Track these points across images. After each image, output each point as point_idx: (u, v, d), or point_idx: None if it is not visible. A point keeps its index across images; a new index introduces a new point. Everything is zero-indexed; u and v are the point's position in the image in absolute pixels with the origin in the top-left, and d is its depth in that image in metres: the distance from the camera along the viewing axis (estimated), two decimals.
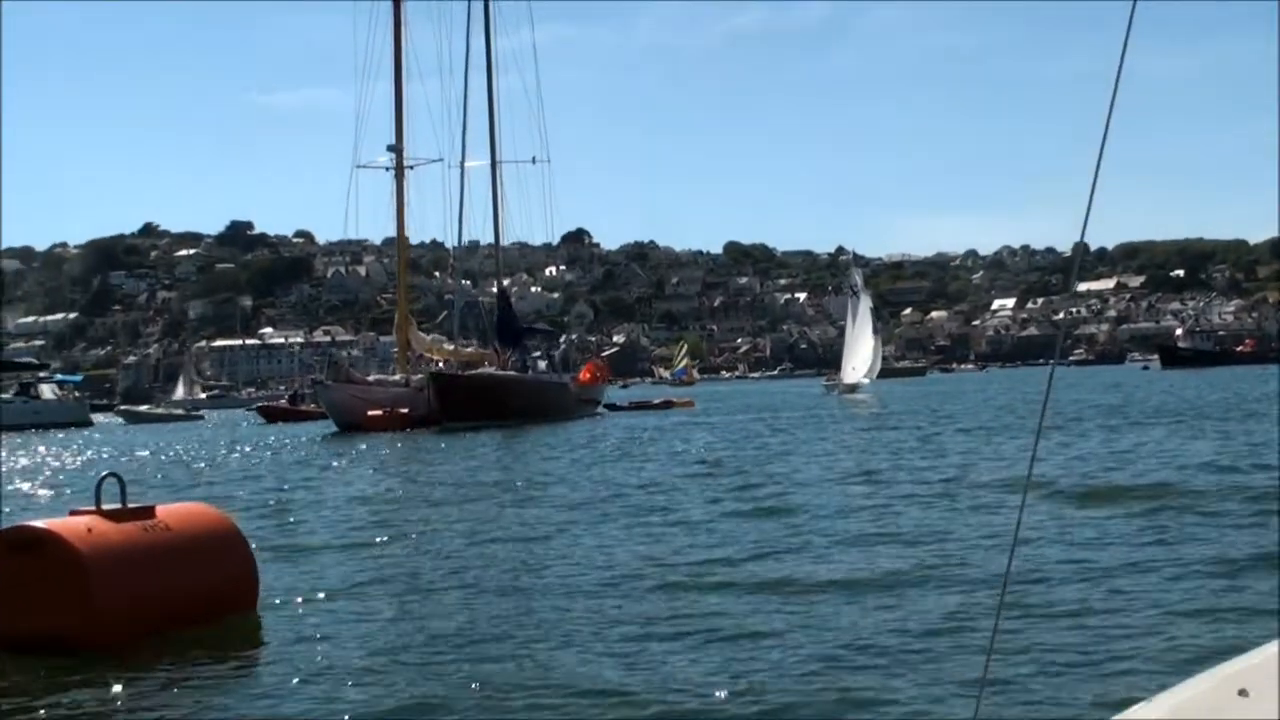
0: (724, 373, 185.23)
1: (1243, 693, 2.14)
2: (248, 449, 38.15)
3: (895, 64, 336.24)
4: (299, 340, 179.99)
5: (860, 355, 70.24)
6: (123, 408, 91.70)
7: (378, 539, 13.61)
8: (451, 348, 54.90)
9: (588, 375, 58.23)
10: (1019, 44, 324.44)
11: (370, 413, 45.39)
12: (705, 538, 12.47)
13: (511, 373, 49.77)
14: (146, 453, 38.68)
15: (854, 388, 67.77)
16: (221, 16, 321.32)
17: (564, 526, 13.96)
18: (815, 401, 59.69)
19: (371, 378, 53.30)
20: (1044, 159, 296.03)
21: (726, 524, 13.50)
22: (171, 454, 37.12)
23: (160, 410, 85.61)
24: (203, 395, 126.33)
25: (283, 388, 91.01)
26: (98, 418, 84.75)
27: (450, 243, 56.69)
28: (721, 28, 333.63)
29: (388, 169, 51.98)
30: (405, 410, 45.58)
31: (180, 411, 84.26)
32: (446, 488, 20.09)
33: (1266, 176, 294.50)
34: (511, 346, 51.61)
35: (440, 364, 50.03)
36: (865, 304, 72.16)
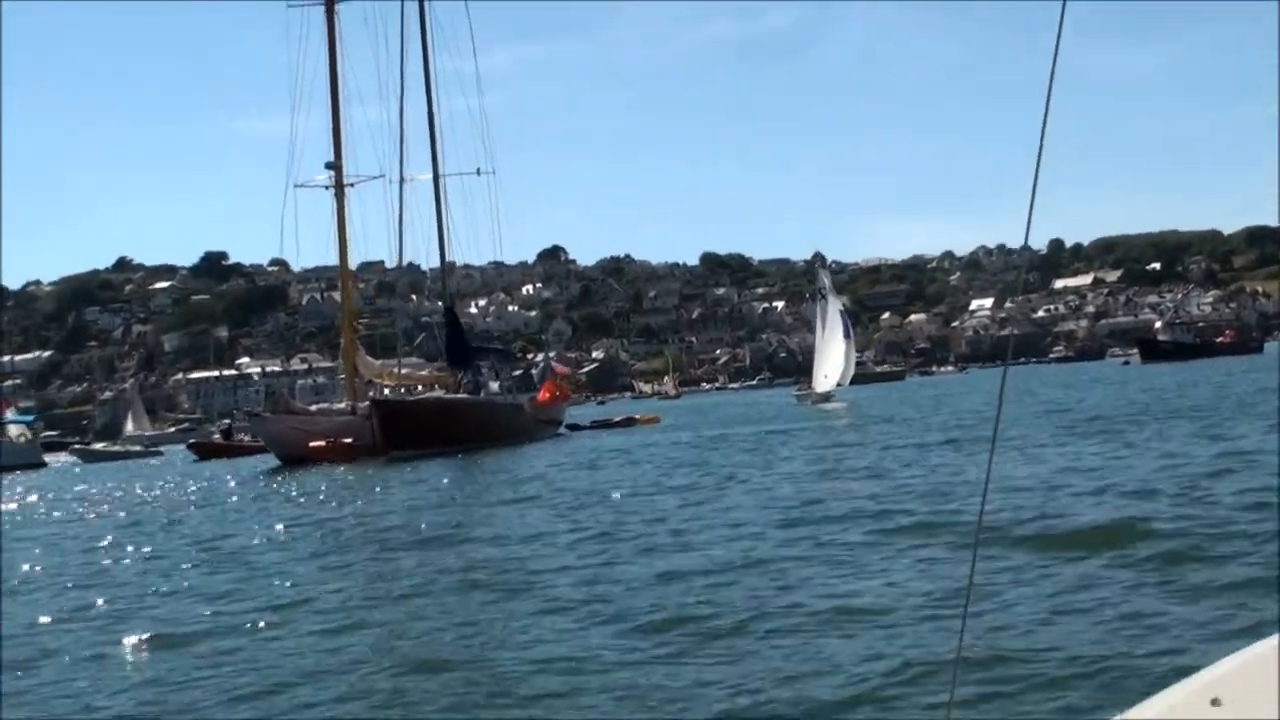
0: (704, 384, 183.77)
1: (1215, 702, 2.14)
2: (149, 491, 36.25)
3: (868, 69, 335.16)
4: (276, 368, 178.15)
5: (832, 362, 68.16)
6: (77, 447, 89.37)
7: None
8: (405, 372, 53.11)
9: (547, 395, 56.37)
10: (990, 45, 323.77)
11: (312, 444, 43.46)
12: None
13: (462, 396, 47.84)
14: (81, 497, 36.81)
15: (827, 396, 65.82)
16: (183, 48, 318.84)
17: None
18: (786, 413, 57.90)
19: (315, 407, 51.35)
20: (1016, 158, 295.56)
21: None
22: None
23: (117, 448, 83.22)
24: (171, 429, 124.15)
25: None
26: (55, 458, 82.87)
27: (391, 262, 54.87)
28: (693, 39, 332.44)
29: (327, 187, 50.19)
30: (349, 440, 43.68)
31: (138, 448, 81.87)
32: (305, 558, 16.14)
33: (1237, 167, 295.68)
34: (463, 368, 49.69)
35: (402, 390, 48.26)
36: (835, 307, 70.13)
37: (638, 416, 61.30)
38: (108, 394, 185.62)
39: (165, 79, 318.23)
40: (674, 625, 8.81)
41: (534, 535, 15.64)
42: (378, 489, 28.92)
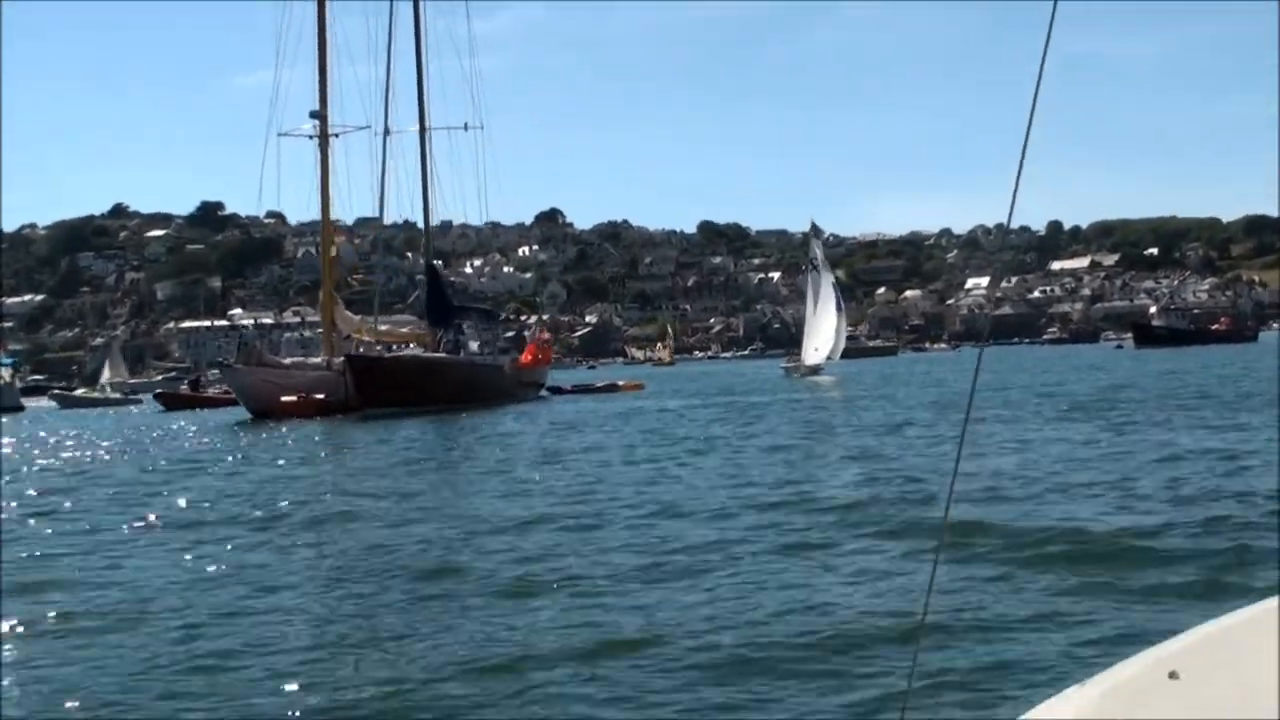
0: (697, 353, 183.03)
1: (1173, 675, 2.14)
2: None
3: (872, 47, 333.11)
4: (268, 320, 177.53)
5: (822, 335, 67.14)
6: (56, 392, 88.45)
7: None
8: (385, 328, 52.13)
9: (529, 357, 55.38)
10: (996, 22, 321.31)
11: (283, 398, 42.55)
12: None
13: (440, 354, 46.89)
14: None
15: (815, 369, 64.90)
16: (192, 5, 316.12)
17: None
18: (772, 384, 57.06)
19: (288, 360, 50.38)
20: (1019, 137, 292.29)
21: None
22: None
23: (96, 395, 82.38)
24: (159, 377, 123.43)
25: None
26: (35, 402, 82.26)
27: (368, 213, 53.90)
28: (698, 8, 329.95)
29: (311, 137, 49.08)
30: (321, 396, 42.76)
31: (117, 396, 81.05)
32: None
33: (1238, 155, 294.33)
34: (443, 326, 48.71)
35: (384, 347, 47.35)
36: (827, 280, 69.11)
37: (620, 383, 60.39)
38: (99, 340, 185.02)
39: (174, 33, 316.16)
40: (579, 637, 7.65)
41: (480, 510, 14.64)
42: (339, 449, 28.04)
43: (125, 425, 45.72)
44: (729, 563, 9.96)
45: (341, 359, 44.31)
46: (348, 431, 34.21)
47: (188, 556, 11.89)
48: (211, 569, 10.96)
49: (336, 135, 49.06)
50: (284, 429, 36.21)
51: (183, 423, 43.75)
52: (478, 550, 11.27)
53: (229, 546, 12.49)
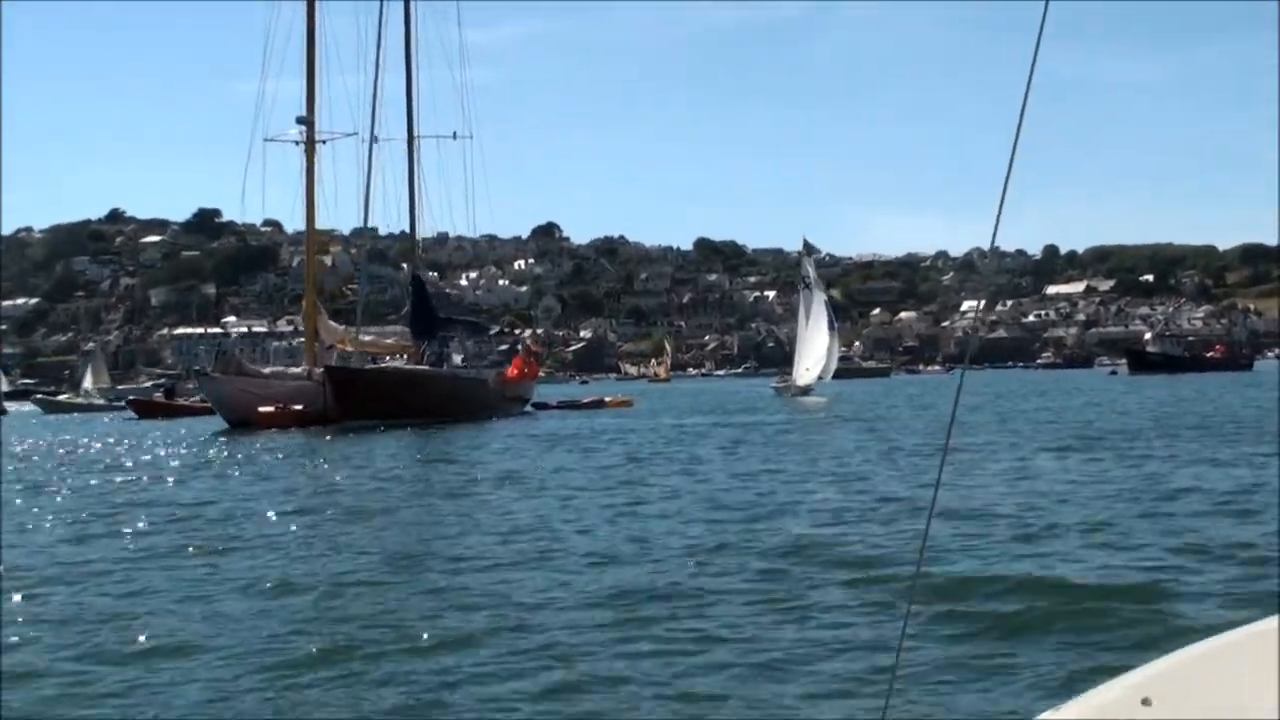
0: (690, 370, 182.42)
1: (1146, 701, 2.16)
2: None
3: (870, 63, 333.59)
4: (262, 329, 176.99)
5: (814, 354, 66.27)
6: (39, 396, 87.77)
7: None
8: (369, 339, 51.43)
9: (515, 371, 54.59)
10: (993, 45, 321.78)
11: (261, 409, 41.77)
12: None
13: (422, 367, 46.17)
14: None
15: (806, 389, 64.10)
16: (194, 13, 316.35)
17: None
18: (762, 404, 56.30)
19: (267, 369, 49.64)
20: (1019, 160, 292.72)
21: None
22: None
23: (79, 400, 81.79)
24: (148, 384, 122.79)
25: None
26: (19, 405, 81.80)
27: (359, 223, 53.19)
28: (696, 23, 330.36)
29: (298, 143, 48.40)
30: (299, 407, 41.98)
31: (101, 401, 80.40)
32: None
33: (1234, 183, 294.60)
34: (428, 338, 48.00)
35: (369, 359, 46.69)
36: (819, 298, 68.29)
37: (607, 399, 59.61)
38: (91, 345, 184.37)
39: (175, 33, 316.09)
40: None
41: (428, 539, 13.82)
42: (308, 462, 27.23)
43: (90, 432, 44.55)
44: (686, 613, 9.09)
45: (322, 369, 43.60)
46: (322, 444, 33.41)
47: (110, 583, 11.09)
48: (126, 603, 10.14)
49: (324, 141, 48.53)
50: (258, 440, 35.38)
51: (157, 432, 42.76)
52: (416, 588, 10.45)
53: (154, 573, 11.67)
